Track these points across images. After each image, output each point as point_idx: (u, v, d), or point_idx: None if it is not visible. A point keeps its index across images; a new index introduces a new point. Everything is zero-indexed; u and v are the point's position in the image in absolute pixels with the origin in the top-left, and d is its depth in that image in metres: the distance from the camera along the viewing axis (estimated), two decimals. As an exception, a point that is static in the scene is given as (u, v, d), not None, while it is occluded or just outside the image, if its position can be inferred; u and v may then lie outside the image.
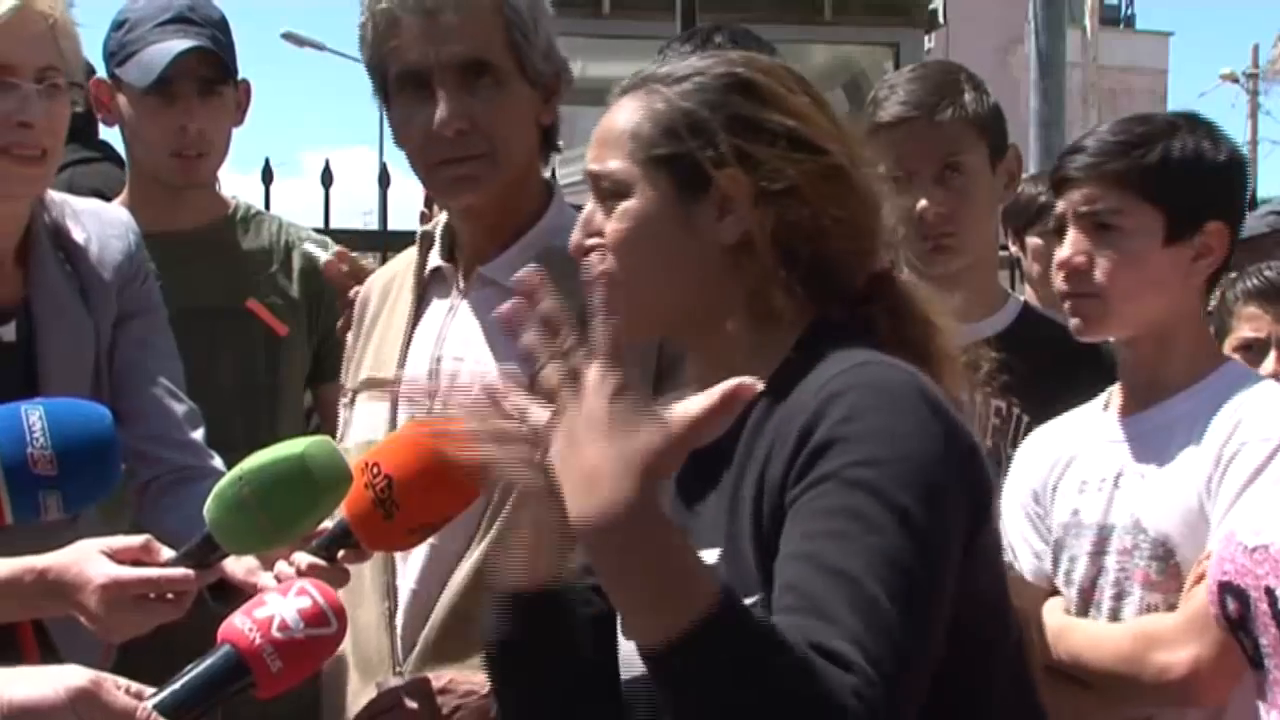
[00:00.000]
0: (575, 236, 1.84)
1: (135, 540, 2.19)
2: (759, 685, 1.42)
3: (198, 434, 2.67)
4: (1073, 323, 2.47)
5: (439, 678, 2.24)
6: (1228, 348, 3.22)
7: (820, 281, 1.78)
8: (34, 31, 2.46)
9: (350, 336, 2.67)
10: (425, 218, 4.46)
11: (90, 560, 2.16)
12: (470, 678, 2.22)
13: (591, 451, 1.46)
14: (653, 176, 1.78)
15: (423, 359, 2.45)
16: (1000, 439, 2.79)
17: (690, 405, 1.50)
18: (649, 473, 1.46)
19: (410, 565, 2.35)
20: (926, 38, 9.16)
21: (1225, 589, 2.18)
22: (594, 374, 1.48)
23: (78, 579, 2.16)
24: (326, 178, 5.36)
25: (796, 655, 1.44)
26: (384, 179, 5.86)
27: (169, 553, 2.17)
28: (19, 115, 2.45)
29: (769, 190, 1.75)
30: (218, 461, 2.63)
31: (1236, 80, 31.60)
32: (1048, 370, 2.74)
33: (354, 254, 3.76)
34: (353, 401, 2.55)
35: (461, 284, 2.46)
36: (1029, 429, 2.74)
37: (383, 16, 2.37)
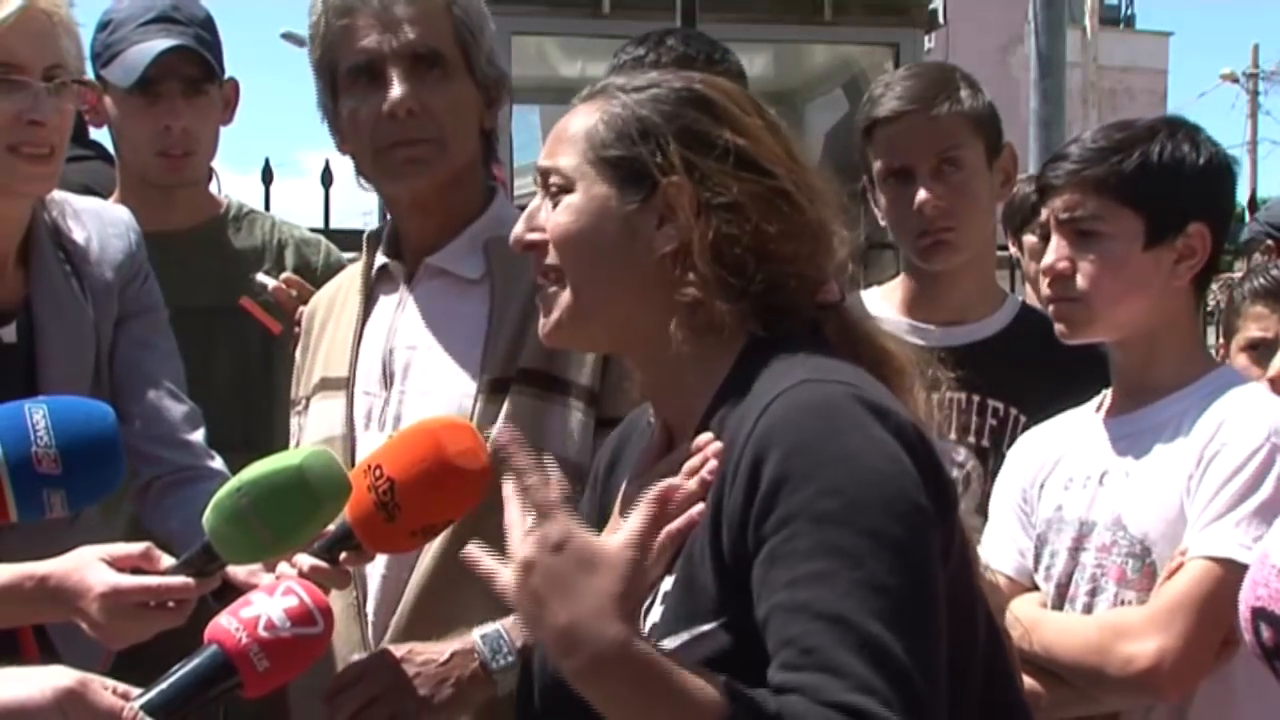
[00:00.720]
0: (518, 229, 1.88)
1: (135, 548, 2.19)
2: None
3: (198, 434, 2.67)
4: (1058, 327, 2.50)
5: (399, 648, 2.26)
6: (1235, 347, 3.24)
7: (763, 298, 1.79)
8: (39, 30, 2.46)
9: (298, 352, 2.71)
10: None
11: (91, 568, 2.16)
12: (429, 647, 2.24)
13: (559, 609, 1.53)
14: (600, 176, 1.82)
15: (375, 352, 2.49)
16: (997, 440, 2.79)
17: (629, 527, 1.56)
18: (623, 609, 1.52)
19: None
20: (926, 38, 9.15)
21: (1259, 615, 2.14)
22: (535, 529, 1.53)
23: (78, 586, 2.16)
24: (326, 178, 5.36)
25: None
26: (383, 179, 5.86)
27: (169, 560, 2.17)
28: (30, 114, 2.46)
29: (711, 203, 1.77)
30: (218, 462, 2.64)
31: (1236, 80, 31.63)
32: (1046, 370, 2.74)
33: (352, 255, 3.77)
34: (306, 407, 2.58)
35: (408, 278, 2.51)
36: (1026, 429, 2.75)
37: (336, 11, 2.44)
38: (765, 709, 1.48)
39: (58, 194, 2.68)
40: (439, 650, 2.22)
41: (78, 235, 2.66)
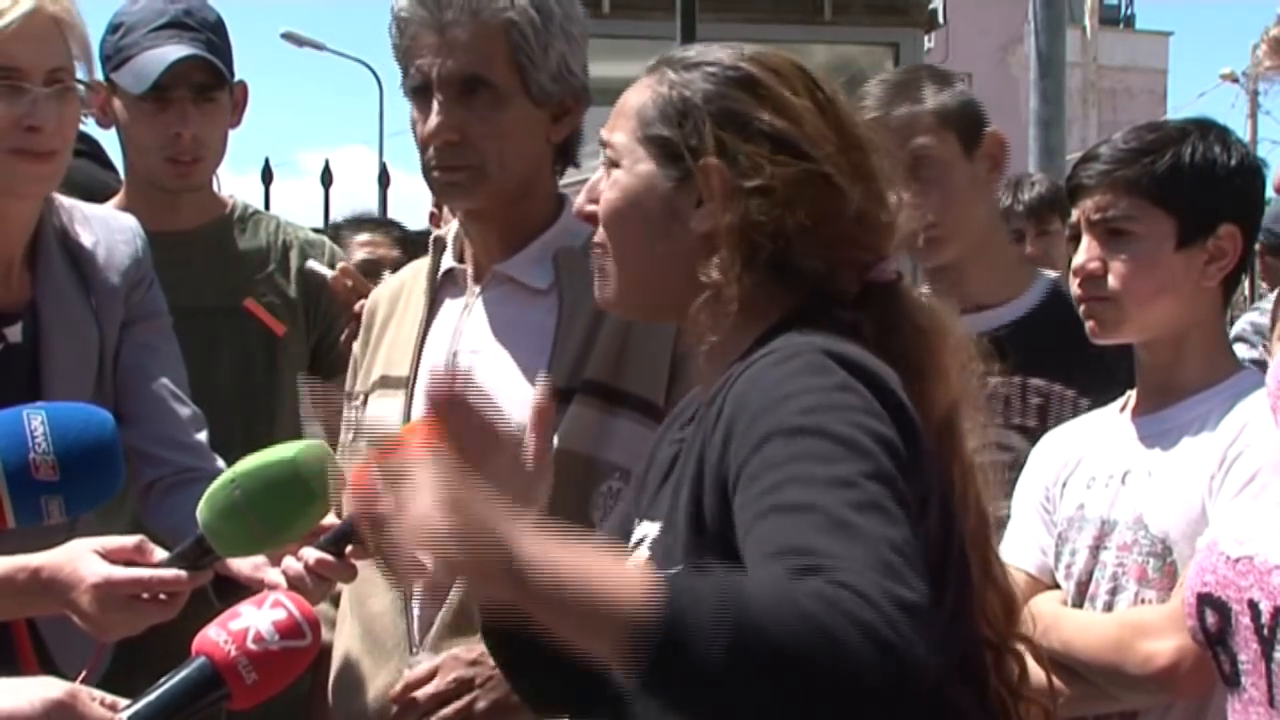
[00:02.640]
0: (580, 200, 1.90)
1: (129, 540, 2.20)
2: (753, 646, 1.37)
3: (201, 436, 2.67)
4: (1088, 326, 2.51)
5: (471, 650, 2.27)
6: None
7: (786, 283, 1.79)
8: (44, 34, 2.46)
9: (357, 346, 2.70)
10: (434, 218, 4.48)
11: (83, 560, 2.17)
12: None
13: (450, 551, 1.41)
14: (645, 154, 1.83)
15: (439, 355, 2.48)
16: (1044, 418, 2.79)
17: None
18: (495, 520, 1.43)
19: None
20: (926, 38, 9.17)
21: (1204, 601, 2.16)
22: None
23: (71, 578, 2.16)
24: (326, 178, 5.37)
25: (766, 587, 1.39)
26: (384, 179, 5.88)
27: (162, 553, 2.18)
28: (29, 119, 2.46)
29: (742, 186, 1.77)
30: (220, 464, 2.63)
31: (1236, 80, 31.59)
32: (1084, 343, 2.74)
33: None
34: (364, 403, 2.57)
35: (475, 284, 2.50)
36: (1076, 404, 2.76)
37: (402, 23, 2.44)
38: (709, 580, 1.41)
39: (66, 199, 2.69)
40: None
41: (85, 239, 2.66)
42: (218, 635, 1.86)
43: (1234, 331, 4.52)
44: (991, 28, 26.61)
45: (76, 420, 2.21)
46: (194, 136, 3.13)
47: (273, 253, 3.30)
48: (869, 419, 1.60)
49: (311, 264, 3.23)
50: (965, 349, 1.84)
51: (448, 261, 2.55)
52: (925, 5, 8.33)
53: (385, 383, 2.54)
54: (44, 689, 1.73)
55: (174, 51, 3.08)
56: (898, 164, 1.90)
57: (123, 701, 1.79)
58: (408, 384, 2.49)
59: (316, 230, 3.67)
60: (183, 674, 1.84)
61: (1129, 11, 38.10)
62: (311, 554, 2.12)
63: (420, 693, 2.26)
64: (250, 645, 1.85)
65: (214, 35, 3.17)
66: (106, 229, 2.71)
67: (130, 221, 2.79)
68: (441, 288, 2.56)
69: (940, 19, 8.66)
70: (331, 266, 3.35)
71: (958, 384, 1.81)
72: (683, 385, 2.24)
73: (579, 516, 2.27)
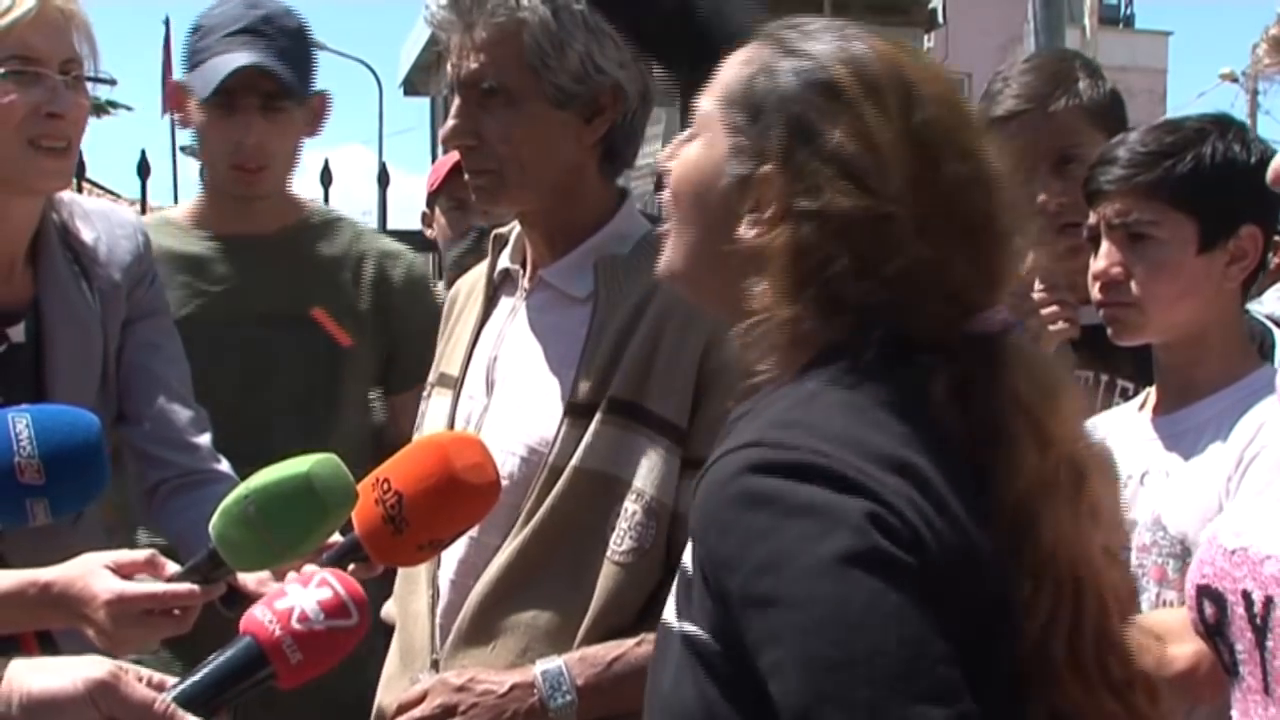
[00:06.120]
0: (664, 154, 1.77)
1: (140, 555, 2.19)
2: None
3: (204, 438, 2.66)
4: (1110, 331, 2.49)
5: (461, 674, 2.26)
6: None
7: (840, 325, 1.59)
8: (56, 25, 2.47)
9: (440, 334, 2.69)
10: (426, 219, 4.47)
11: (95, 575, 2.16)
12: (490, 676, 2.24)
13: None
14: (722, 137, 1.67)
15: (483, 356, 2.47)
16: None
17: None
18: None
19: (450, 557, 2.37)
20: (926, 37, 9.17)
21: (1203, 593, 2.15)
22: None
23: (83, 593, 2.15)
24: (325, 177, 5.34)
25: None
26: (383, 178, 5.86)
27: (174, 567, 2.17)
28: (49, 106, 2.45)
29: (799, 206, 1.59)
30: (225, 465, 2.63)
31: (1236, 80, 31.60)
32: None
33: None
34: (429, 395, 2.58)
35: (526, 286, 2.47)
36: (1130, 395, 2.74)
37: (436, 26, 2.39)
38: None
39: (66, 194, 2.68)
40: (499, 681, 2.22)
41: (86, 236, 2.65)
42: (263, 615, 1.85)
43: None
44: (991, 27, 26.59)
45: (61, 423, 2.19)
46: (258, 144, 3.08)
47: (347, 262, 3.24)
48: (826, 552, 1.42)
49: None
50: (1077, 416, 1.63)
51: (504, 262, 2.52)
52: (925, 5, 8.34)
53: (442, 380, 2.54)
54: (87, 669, 1.71)
55: (239, 59, 3.04)
56: (1021, 207, 1.66)
57: (169, 680, 1.78)
58: (456, 384, 2.48)
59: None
60: (229, 653, 1.82)
61: (1128, 11, 38.17)
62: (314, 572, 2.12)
63: (405, 717, 2.25)
64: (295, 625, 1.83)
65: (292, 42, 3.12)
66: (108, 224, 2.69)
67: (131, 216, 2.77)
68: (502, 286, 2.53)
69: (940, 19, 8.67)
70: (410, 278, 3.29)
71: (1055, 456, 1.58)
72: (709, 406, 2.19)
73: (597, 537, 2.26)
